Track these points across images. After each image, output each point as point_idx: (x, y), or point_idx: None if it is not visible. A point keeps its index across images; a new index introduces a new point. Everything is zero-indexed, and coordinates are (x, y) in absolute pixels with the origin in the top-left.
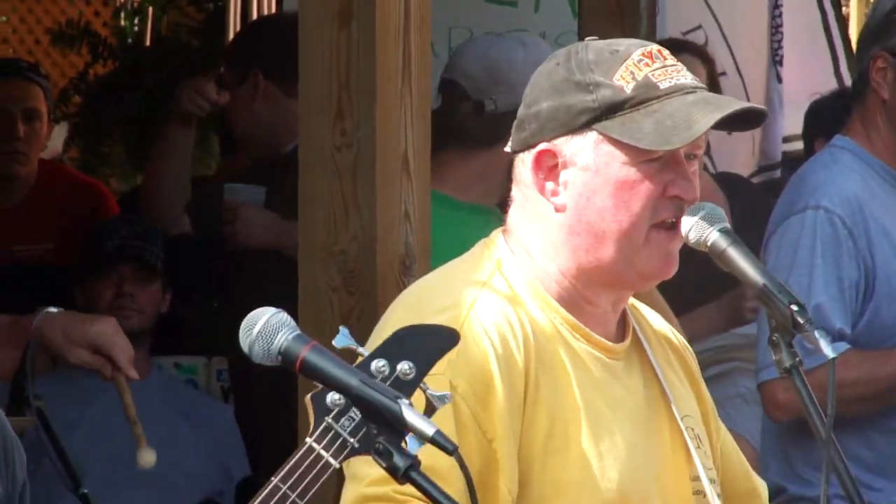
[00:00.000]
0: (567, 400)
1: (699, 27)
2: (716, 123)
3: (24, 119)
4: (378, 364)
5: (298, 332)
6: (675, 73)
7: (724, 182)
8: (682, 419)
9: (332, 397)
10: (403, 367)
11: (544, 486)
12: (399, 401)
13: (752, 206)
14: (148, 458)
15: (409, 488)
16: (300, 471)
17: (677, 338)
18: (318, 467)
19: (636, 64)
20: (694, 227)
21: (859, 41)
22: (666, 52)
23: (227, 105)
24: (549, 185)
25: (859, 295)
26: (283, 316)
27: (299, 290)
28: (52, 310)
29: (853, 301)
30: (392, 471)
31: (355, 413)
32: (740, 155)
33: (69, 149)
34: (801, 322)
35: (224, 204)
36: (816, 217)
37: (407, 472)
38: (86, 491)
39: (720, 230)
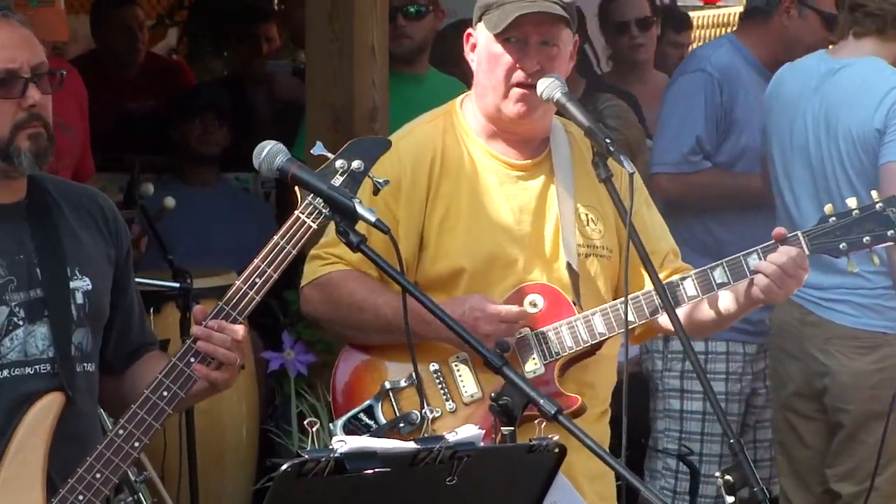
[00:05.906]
0: (463, 197)
1: None
2: (524, 18)
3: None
4: (339, 162)
5: (290, 156)
6: None
7: None
8: (581, 207)
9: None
10: (355, 163)
11: (438, 250)
12: (353, 199)
13: None
14: (168, 202)
15: (337, 250)
16: (293, 228)
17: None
18: (302, 227)
19: None
20: (546, 89)
21: None
22: None
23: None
24: (471, 55)
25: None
26: (280, 146)
27: (307, 127)
28: None
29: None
30: (349, 245)
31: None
32: None
33: (181, 44)
34: (613, 151)
35: (267, 72)
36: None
37: (359, 246)
38: (171, 257)
39: (562, 92)
